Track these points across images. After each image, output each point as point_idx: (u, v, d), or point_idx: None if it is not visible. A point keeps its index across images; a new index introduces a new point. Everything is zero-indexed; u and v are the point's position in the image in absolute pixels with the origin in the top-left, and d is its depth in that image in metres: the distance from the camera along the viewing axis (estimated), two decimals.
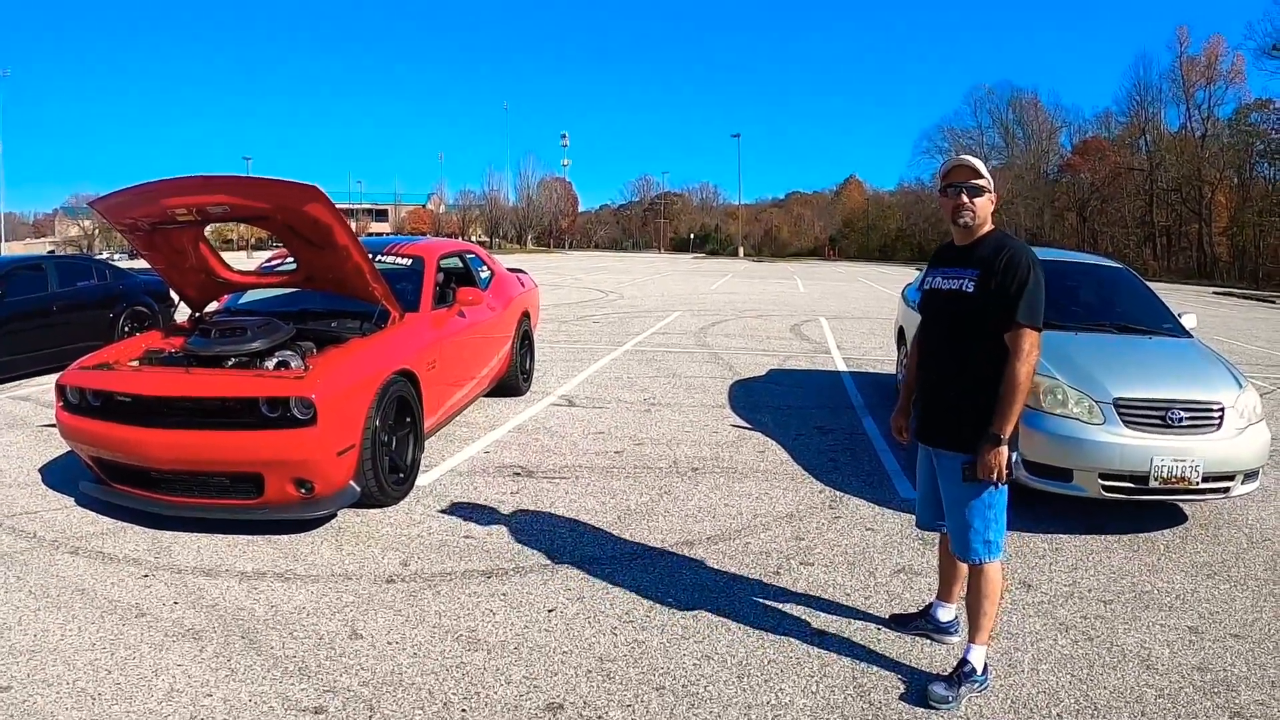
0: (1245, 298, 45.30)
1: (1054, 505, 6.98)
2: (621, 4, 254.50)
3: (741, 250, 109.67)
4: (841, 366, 14.84)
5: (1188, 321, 8.59)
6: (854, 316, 24.66)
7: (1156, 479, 6.43)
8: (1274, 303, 41.13)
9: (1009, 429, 4.05)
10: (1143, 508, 7.09)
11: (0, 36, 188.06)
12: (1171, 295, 23.99)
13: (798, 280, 47.13)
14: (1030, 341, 4.06)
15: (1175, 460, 6.43)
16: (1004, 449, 4.04)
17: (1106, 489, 6.57)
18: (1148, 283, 9.63)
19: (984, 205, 4.30)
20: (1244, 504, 7.40)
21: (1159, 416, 6.60)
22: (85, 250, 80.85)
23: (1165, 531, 6.79)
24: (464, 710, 4.09)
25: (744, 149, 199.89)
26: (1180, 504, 7.21)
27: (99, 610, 5.11)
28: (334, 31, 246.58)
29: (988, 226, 4.35)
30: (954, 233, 4.44)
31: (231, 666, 4.47)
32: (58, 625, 4.91)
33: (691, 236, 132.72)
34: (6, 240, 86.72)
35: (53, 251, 62.32)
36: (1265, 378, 14.64)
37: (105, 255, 54.99)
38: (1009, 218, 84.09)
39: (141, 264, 15.33)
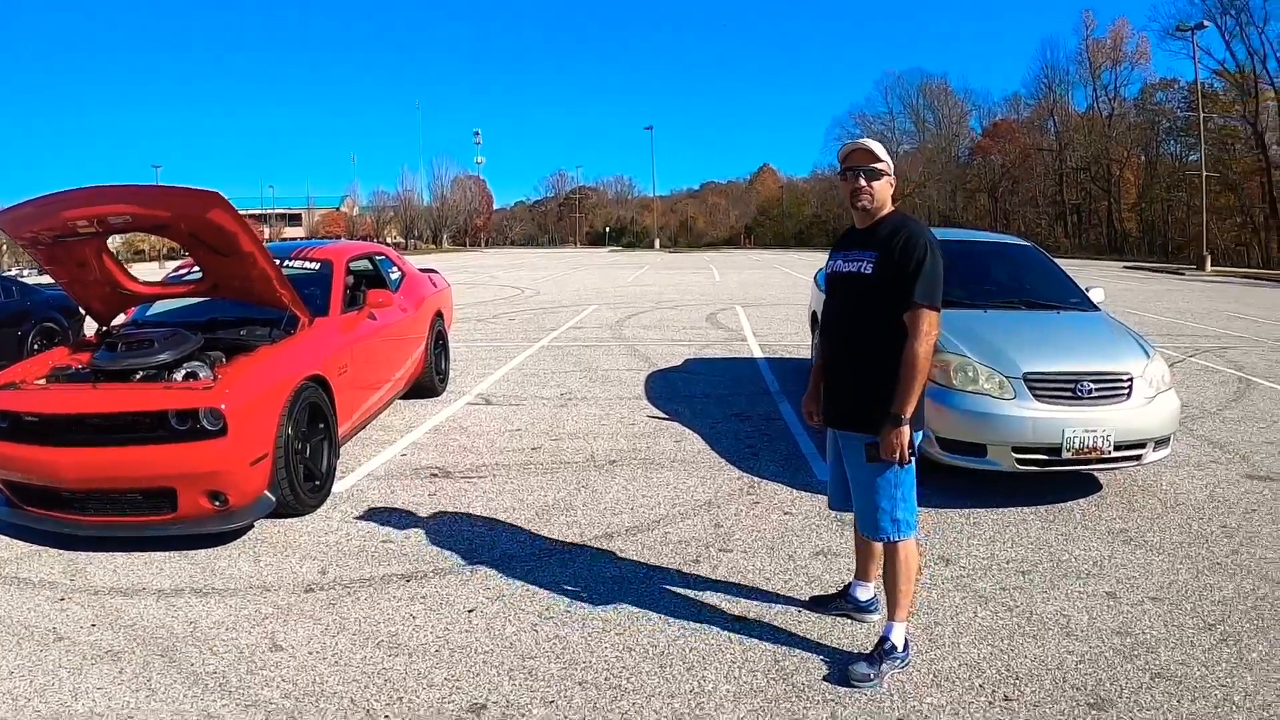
0: (1155, 271, 46.52)
1: (970, 480, 7.11)
2: (532, 1, 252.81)
3: (658, 242, 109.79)
4: (757, 353, 14.97)
5: (1095, 295, 8.80)
6: (769, 304, 24.87)
7: (1069, 450, 6.58)
8: (1182, 274, 42.23)
9: (909, 409, 4.09)
10: (1058, 478, 7.24)
11: None
12: (1083, 271, 24.59)
13: (714, 270, 47.34)
14: (928, 321, 4.11)
15: (1086, 431, 6.58)
16: (905, 429, 4.08)
17: (1020, 462, 6.71)
18: (1060, 260, 9.84)
19: (882, 188, 4.35)
20: (1158, 471, 7.60)
21: (1069, 389, 6.75)
22: None
23: (1081, 500, 6.95)
24: (387, 716, 4.07)
25: (657, 141, 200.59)
26: (1094, 473, 7.37)
27: (15, 637, 4.99)
28: (240, 35, 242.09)
29: (888, 209, 4.40)
30: (854, 216, 4.48)
31: (151, 686, 4.40)
32: None
33: (608, 230, 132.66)
34: None
35: None
36: (1175, 347, 15.09)
37: (14, 271, 53.60)
38: (921, 201, 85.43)
39: (50, 279, 15.00)
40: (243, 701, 4.24)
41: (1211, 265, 46.70)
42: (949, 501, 6.82)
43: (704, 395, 11.25)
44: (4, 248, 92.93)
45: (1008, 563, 5.74)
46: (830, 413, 4.59)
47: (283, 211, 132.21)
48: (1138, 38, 76.61)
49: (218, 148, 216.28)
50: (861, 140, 4.41)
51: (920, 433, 4.29)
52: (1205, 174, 51.53)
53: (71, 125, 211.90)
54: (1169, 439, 7.10)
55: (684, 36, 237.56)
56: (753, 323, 19.45)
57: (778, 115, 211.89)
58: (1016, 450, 6.69)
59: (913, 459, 4.22)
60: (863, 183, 4.33)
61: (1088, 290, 8.83)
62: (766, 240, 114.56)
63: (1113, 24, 79.87)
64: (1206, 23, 58.07)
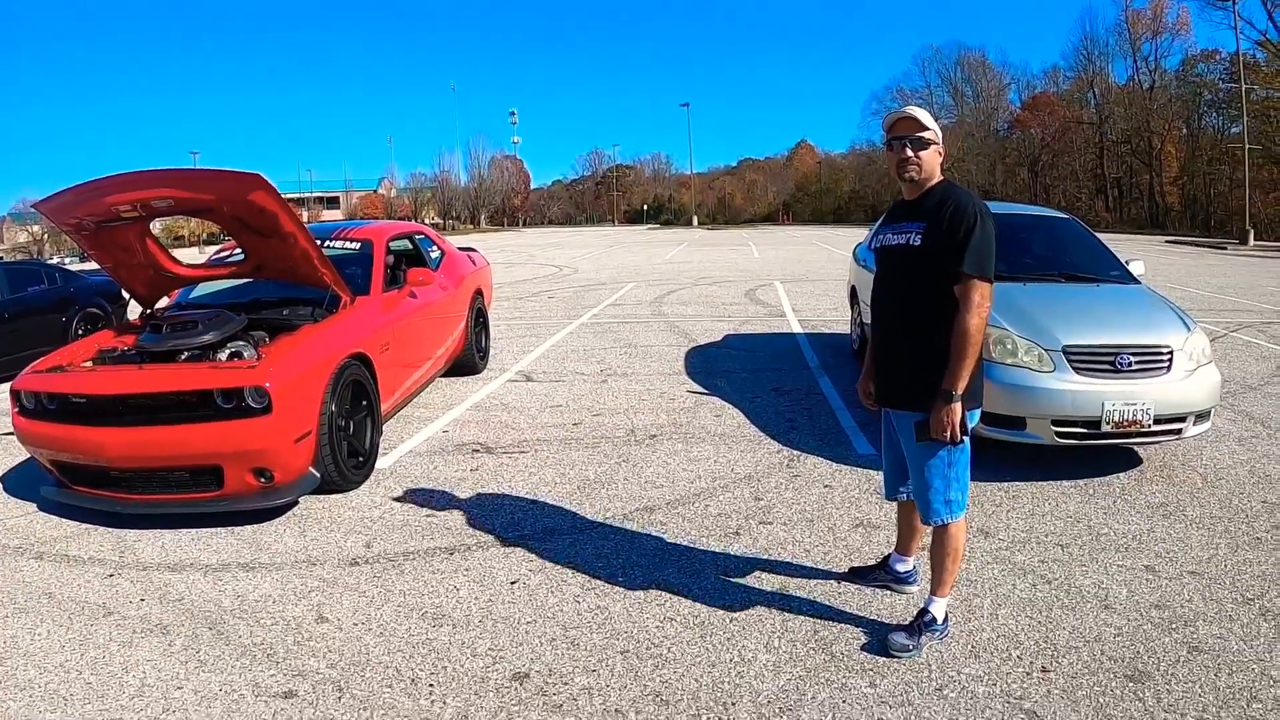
0: (1196, 245, 45.80)
1: (1010, 454, 7.07)
2: None
3: (696, 219, 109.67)
4: (797, 329, 14.93)
5: (1135, 268, 8.71)
6: (808, 279, 24.78)
7: (1108, 423, 6.53)
8: (1224, 249, 41.59)
9: (961, 384, 3.99)
10: (1097, 452, 7.21)
11: None
12: (1124, 245, 24.24)
13: (752, 246, 47.14)
14: (980, 293, 3.99)
15: (1126, 404, 6.53)
16: (957, 406, 3.99)
17: (1060, 435, 6.67)
18: (1101, 235, 9.75)
19: (929, 158, 4.22)
20: (1198, 445, 7.54)
21: (1108, 362, 6.70)
22: (36, 255, 79.70)
23: (1120, 475, 6.90)
24: (432, 685, 4.15)
25: (695, 118, 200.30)
26: (1134, 447, 7.32)
27: (67, 612, 5.11)
28: (277, 19, 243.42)
29: (936, 178, 4.28)
30: (902, 187, 4.37)
31: (200, 658, 4.50)
32: (26, 630, 4.92)
33: (645, 208, 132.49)
34: None
35: (1, 258, 61.55)
36: (1217, 322, 14.88)
37: (56, 259, 54.23)
38: (961, 175, 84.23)
39: (93, 265, 15.15)
40: (290, 671, 4.32)
41: (1255, 240, 45.79)
42: (988, 475, 6.77)
43: (743, 370, 11.26)
44: (46, 237, 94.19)
45: (1046, 536, 5.73)
46: (882, 391, 4.49)
47: (321, 195, 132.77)
48: (1178, 8, 75.03)
49: (255, 132, 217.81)
50: (907, 108, 4.28)
51: (973, 412, 4.18)
52: (1248, 147, 50.60)
53: (110, 111, 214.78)
54: (1209, 413, 7.03)
55: (720, 12, 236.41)
56: (791, 298, 19.39)
57: (815, 91, 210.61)
58: (1056, 423, 6.66)
59: (966, 438, 4.14)
60: (909, 152, 4.20)
61: (1128, 263, 8.75)
62: (804, 216, 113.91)
63: None
64: None
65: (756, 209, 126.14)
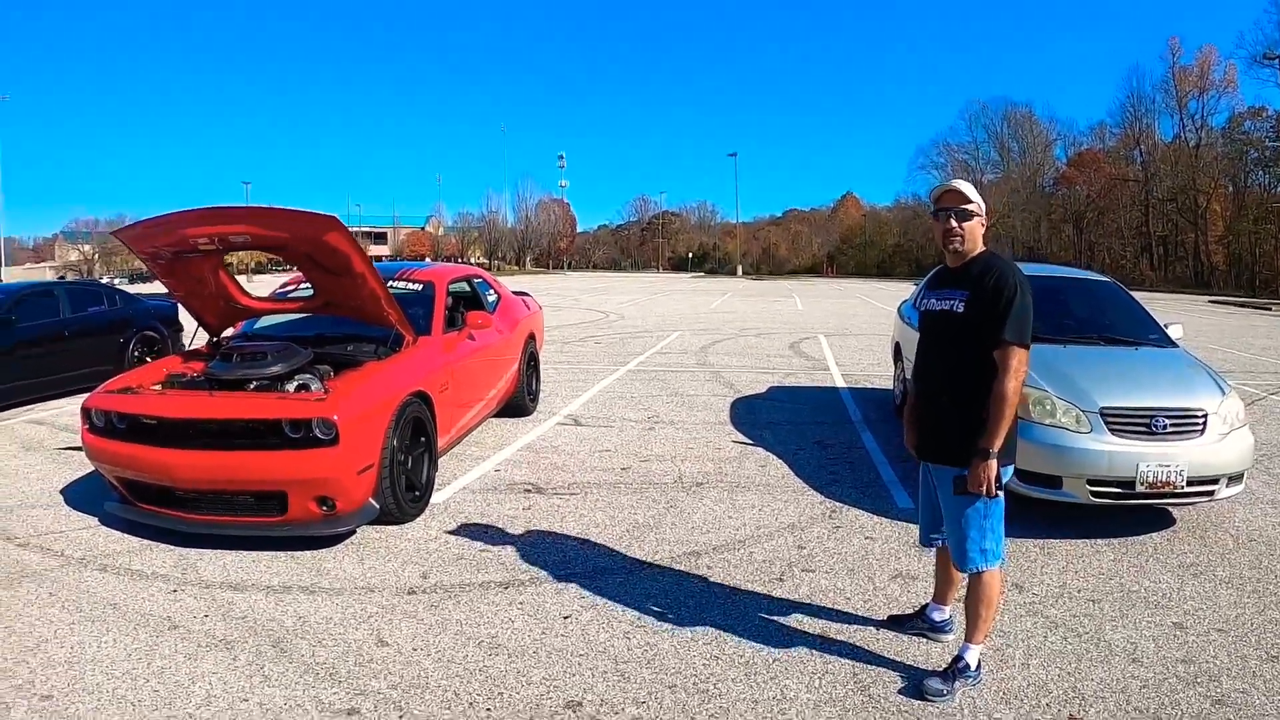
0: (1241, 305, 45.53)
1: (1046, 511, 7.20)
2: (617, 26, 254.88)
3: (740, 269, 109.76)
4: (840, 383, 15.05)
5: (1174, 332, 8.83)
6: (852, 333, 24.87)
7: (1142, 484, 6.67)
8: (1270, 310, 41.29)
9: (998, 443, 4.23)
10: (1132, 512, 7.32)
11: None
12: (1167, 304, 24.19)
13: (796, 298, 47.30)
14: (1018, 359, 4.25)
15: (1160, 466, 6.67)
16: (993, 463, 4.23)
17: (1095, 494, 6.81)
18: (1144, 294, 9.85)
19: (973, 229, 4.50)
20: (1231, 507, 7.64)
21: (1144, 424, 6.84)
22: (86, 274, 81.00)
23: (1154, 534, 7.01)
24: (488, 709, 4.34)
25: (741, 167, 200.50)
26: (1168, 508, 7.43)
27: (132, 623, 5.36)
28: (331, 55, 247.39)
29: (979, 248, 4.55)
30: (946, 256, 4.65)
31: (265, 673, 4.72)
32: (93, 638, 5.16)
33: (690, 256, 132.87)
34: (7, 265, 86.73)
35: (63, 277, 62.65)
36: (1255, 384, 14.89)
37: (106, 279, 55.14)
38: (1005, 231, 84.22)
39: (147, 289, 15.50)
40: (352, 690, 4.54)
41: None
42: (1025, 531, 6.91)
43: (787, 422, 11.40)
44: (96, 257, 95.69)
45: (1079, 591, 5.86)
46: (922, 445, 4.75)
47: (369, 229, 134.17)
48: (1225, 65, 74.85)
49: (306, 164, 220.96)
50: (953, 182, 4.57)
51: (1006, 467, 4.41)
52: None
53: (164, 136, 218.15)
54: (1243, 475, 7.14)
55: (768, 62, 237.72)
56: (835, 352, 19.51)
57: (861, 143, 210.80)
58: (1091, 483, 6.80)
59: (1000, 492, 4.36)
60: (954, 224, 4.49)
61: (1166, 326, 8.88)
62: (849, 269, 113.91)
63: (1199, 51, 77.96)
64: None
65: (800, 260, 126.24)
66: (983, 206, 4.53)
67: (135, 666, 4.81)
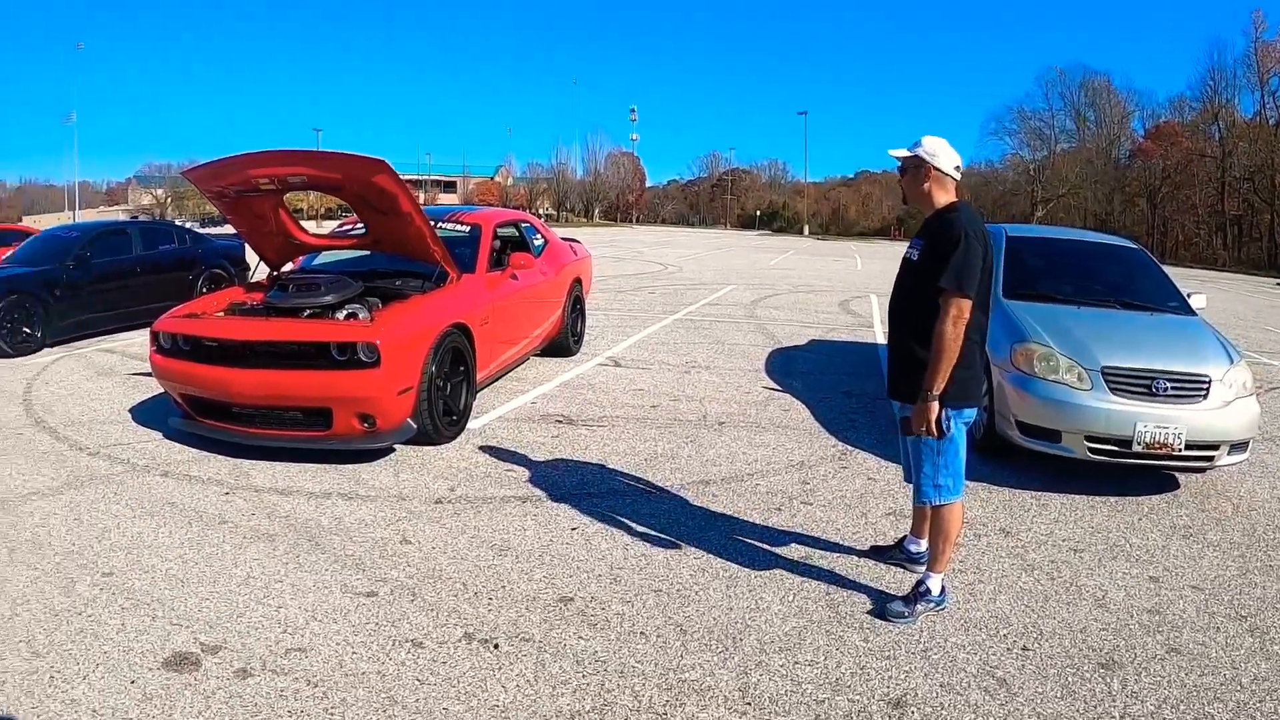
0: None
1: (1049, 467, 7.47)
2: None
3: (807, 228, 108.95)
4: (881, 340, 15.23)
5: (1196, 301, 8.95)
6: None
7: (1140, 444, 6.84)
8: None
9: (936, 386, 4.50)
10: (1134, 474, 7.45)
11: (75, 9, 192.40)
12: (1231, 284, 23.60)
13: (857, 258, 47.20)
14: (956, 306, 4.47)
15: (1158, 427, 6.82)
16: (934, 405, 4.52)
17: (1092, 450, 7.01)
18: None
19: (911, 182, 4.94)
20: (1239, 477, 7.76)
21: (1145, 385, 7.02)
22: (158, 217, 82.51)
23: (1153, 496, 7.18)
24: (490, 598, 4.91)
25: (813, 126, 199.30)
26: (1174, 473, 7.59)
27: (186, 518, 6.02)
28: (404, 5, 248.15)
29: (945, 200, 4.87)
30: None
31: (299, 561, 5.35)
32: (151, 529, 5.83)
33: (759, 213, 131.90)
34: (81, 208, 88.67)
35: (136, 217, 64.23)
36: None
37: (177, 222, 56.28)
38: (1077, 203, 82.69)
39: (218, 230, 16.12)
40: (374, 578, 5.15)
41: None
42: (1024, 482, 7.23)
43: (819, 372, 11.79)
44: (169, 200, 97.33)
45: (1063, 540, 6.12)
46: (891, 386, 5.10)
47: (439, 178, 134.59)
48: None
49: (378, 114, 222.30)
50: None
51: (960, 411, 4.72)
52: None
53: (237, 84, 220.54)
54: (1247, 444, 7.22)
55: (842, 21, 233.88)
56: (883, 311, 19.59)
57: (934, 107, 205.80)
58: (1089, 439, 7.00)
59: (950, 434, 4.68)
60: (899, 178, 5.05)
61: (1189, 295, 9.01)
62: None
63: None
64: None
65: (870, 222, 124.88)
66: (932, 160, 4.83)
67: (187, 552, 5.46)
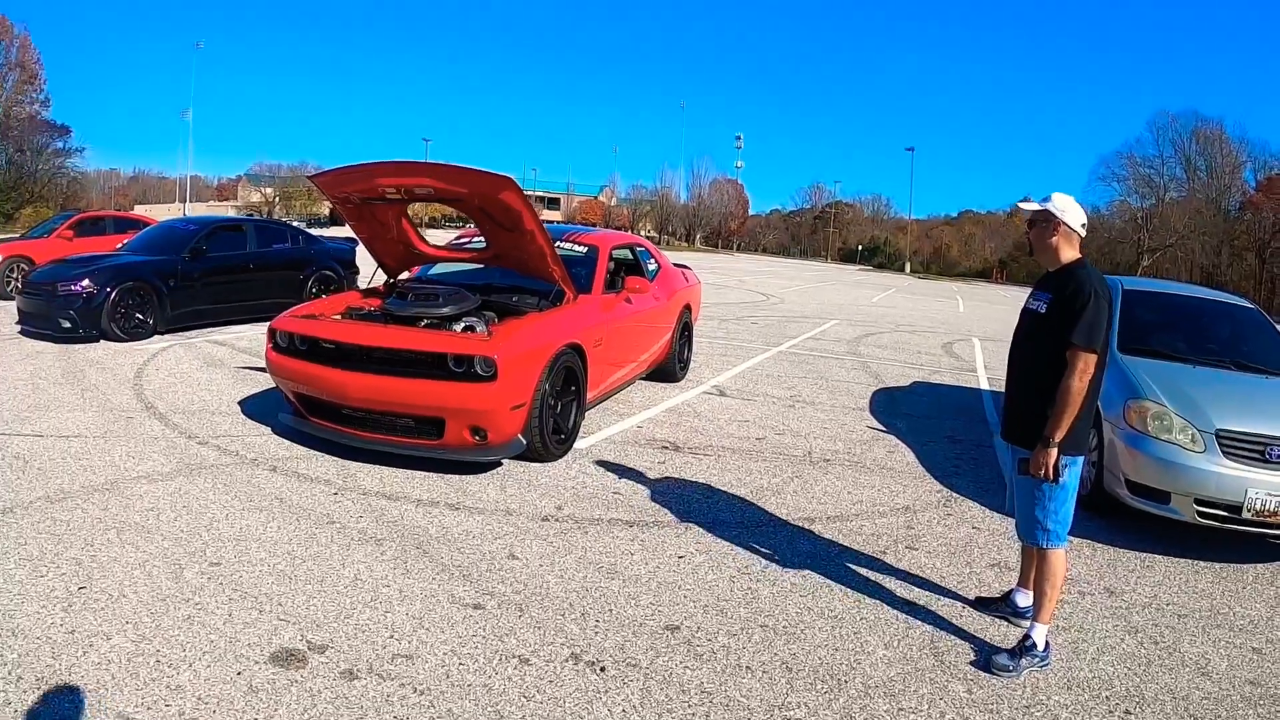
0: None
1: (1156, 528, 7.31)
2: (801, 11, 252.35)
3: (909, 266, 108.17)
4: (985, 385, 15.10)
5: None
6: (1007, 340, 24.45)
7: (1249, 510, 6.67)
8: None
9: (1059, 434, 4.64)
10: (1242, 540, 7.24)
11: (197, 11, 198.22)
12: None
13: (959, 300, 46.69)
14: (1083, 361, 4.62)
15: (1270, 494, 6.64)
16: (1053, 451, 4.63)
17: (1201, 514, 6.83)
18: None
19: (1039, 235, 5.01)
20: None
21: (1258, 451, 6.82)
22: (266, 215, 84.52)
23: (1260, 565, 6.99)
24: (598, 621, 4.93)
25: (918, 163, 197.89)
26: (1276, 540, 7.34)
27: (295, 515, 6.16)
28: (517, 22, 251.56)
29: (1072, 256, 4.96)
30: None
31: (407, 567, 5.43)
32: (260, 524, 5.97)
33: (860, 248, 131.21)
34: (191, 201, 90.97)
35: (252, 214, 65.93)
36: None
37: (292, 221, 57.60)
38: (1183, 254, 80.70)
39: (323, 231, 16.38)
40: (481, 590, 5.20)
41: None
42: (1130, 543, 7.08)
43: (924, 416, 11.66)
44: (277, 200, 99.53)
45: (1168, 605, 5.98)
46: (1007, 429, 5.17)
47: (542, 194, 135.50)
48: None
49: (486, 126, 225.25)
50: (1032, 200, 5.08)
51: (1074, 459, 4.81)
52: None
53: (352, 93, 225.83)
54: None
55: (951, 61, 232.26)
56: (985, 356, 19.38)
57: (1043, 148, 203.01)
58: (1199, 503, 6.84)
59: (1063, 480, 4.74)
60: (1028, 230, 5.12)
61: None
62: (1019, 276, 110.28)
63: None
64: None
65: (971, 263, 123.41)
66: (1061, 216, 4.91)
67: (295, 549, 5.58)
